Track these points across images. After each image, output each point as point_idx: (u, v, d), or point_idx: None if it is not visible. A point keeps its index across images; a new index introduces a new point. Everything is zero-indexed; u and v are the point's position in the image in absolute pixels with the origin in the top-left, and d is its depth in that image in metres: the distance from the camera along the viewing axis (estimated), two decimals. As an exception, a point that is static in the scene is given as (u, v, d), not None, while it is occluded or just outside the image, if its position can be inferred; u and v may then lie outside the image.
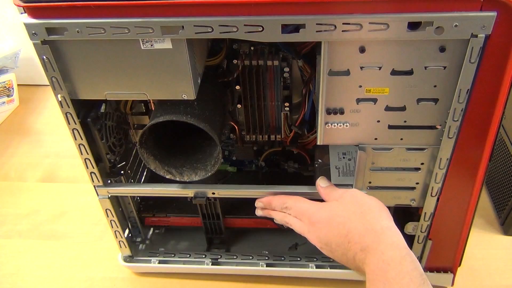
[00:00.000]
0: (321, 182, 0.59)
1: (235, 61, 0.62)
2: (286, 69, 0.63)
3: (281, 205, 0.59)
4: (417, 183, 0.59)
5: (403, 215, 0.65)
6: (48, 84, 0.51)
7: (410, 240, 0.65)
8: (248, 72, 0.63)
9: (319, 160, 0.66)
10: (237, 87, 0.65)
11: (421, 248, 0.66)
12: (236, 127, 0.71)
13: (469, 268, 0.75)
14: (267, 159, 0.77)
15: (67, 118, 0.54)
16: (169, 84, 0.51)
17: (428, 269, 0.69)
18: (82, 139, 0.57)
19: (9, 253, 0.83)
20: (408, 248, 0.48)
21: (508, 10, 0.42)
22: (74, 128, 0.55)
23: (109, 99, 0.53)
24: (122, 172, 0.67)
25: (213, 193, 0.63)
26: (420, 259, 0.67)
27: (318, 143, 0.56)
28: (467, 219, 0.61)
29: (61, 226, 0.88)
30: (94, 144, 0.59)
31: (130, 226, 0.76)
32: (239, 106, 0.67)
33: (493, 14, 0.42)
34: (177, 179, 0.60)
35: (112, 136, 0.62)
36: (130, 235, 0.76)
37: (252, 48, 0.62)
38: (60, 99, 0.52)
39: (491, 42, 0.44)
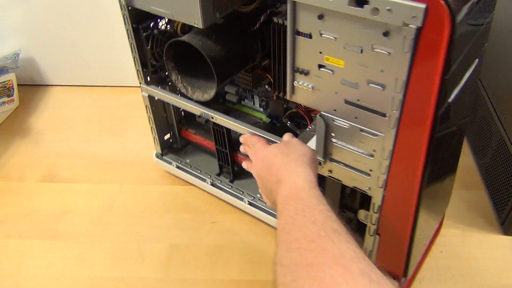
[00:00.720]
0: (285, 136, 0.65)
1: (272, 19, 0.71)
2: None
3: (252, 144, 0.68)
4: (371, 170, 0.61)
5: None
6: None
7: (363, 230, 0.67)
8: (278, 30, 0.71)
9: (312, 126, 0.71)
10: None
11: (372, 242, 0.67)
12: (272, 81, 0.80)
13: (469, 268, 0.74)
14: (292, 118, 0.85)
15: (124, 20, 0.73)
16: (185, 10, 0.64)
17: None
18: (132, 40, 0.75)
19: (9, 253, 0.82)
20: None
21: (438, 6, 0.43)
22: (128, 29, 0.74)
23: (151, 12, 0.69)
24: (169, 83, 0.84)
25: (212, 118, 0.75)
26: (371, 253, 0.68)
27: (288, 98, 0.62)
28: (409, 221, 0.60)
29: (61, 226, 0.87)
30: (141, 48, 0.76)
31: (172, 133, 0.93)
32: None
33: (423, 6, 0.43)
34: (189, 95, 0.74)
35: (159, 47, 0.78)
36: (170, 140, 0.94)
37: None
38: (122, 3, 0.71)
39: (423, 36, 0.45)
